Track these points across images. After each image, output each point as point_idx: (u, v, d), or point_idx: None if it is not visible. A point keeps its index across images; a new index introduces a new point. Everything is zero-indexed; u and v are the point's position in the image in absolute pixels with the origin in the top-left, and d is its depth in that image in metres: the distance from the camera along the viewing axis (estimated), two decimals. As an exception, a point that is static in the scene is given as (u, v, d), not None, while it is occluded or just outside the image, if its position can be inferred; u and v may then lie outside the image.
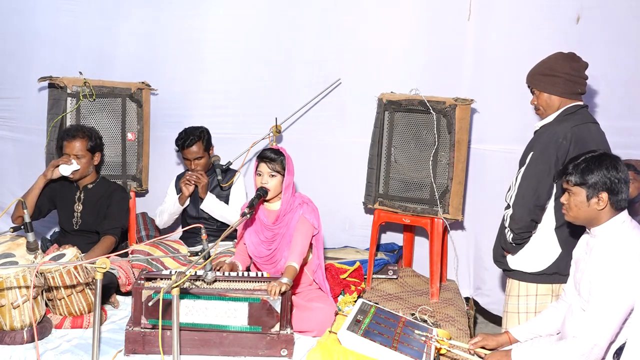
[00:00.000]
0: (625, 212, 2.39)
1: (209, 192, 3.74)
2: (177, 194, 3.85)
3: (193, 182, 3.71)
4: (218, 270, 3.02)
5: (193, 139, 3.72)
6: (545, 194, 2.77)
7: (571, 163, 2.42)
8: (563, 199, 2.47)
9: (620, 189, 2.33)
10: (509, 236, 2.85)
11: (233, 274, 2.92)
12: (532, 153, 2.79)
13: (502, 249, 2.94)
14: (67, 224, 3.53)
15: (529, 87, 2.98)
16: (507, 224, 2.84)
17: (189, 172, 3.73)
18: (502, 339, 2.70)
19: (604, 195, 2.33)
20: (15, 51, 4.23)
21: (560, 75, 2.83)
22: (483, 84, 3.80)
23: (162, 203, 3.93)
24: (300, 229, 3.04)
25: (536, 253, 2.85)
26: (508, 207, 2.86)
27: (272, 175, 3.04)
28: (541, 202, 2.77)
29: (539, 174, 2.73)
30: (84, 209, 3.50)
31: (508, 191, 2.88)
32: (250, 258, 3.23)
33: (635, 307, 2.24)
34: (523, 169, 2.81)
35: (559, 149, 2.73)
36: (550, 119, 2.87)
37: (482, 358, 2.67)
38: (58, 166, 3.40)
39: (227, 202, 3.86)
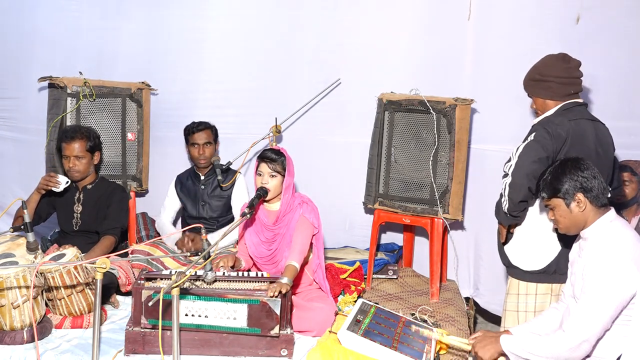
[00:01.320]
0: (612, 212, 2.43)
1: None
2: (177, 195, 3.87)
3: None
4: (222, 266, 3.01)
5: (204, 125, 3.83)
6: (543, 167, 2.77)
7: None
8: (550, 216, 2.53)
9: (592, 185, 2.39)
10: (505, 206, 2.86)
11: (233, 274, 2.92)
12: (533, 134, 2.81)
13: (497, 220, 2.98)
14: (67, 225, 3.52)
15: (525, 88, 3.02)
16: (506, 193, 2.85)
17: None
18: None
19: (580, 196, 2.40)
20: (15, 51, 4.24)
21: (551, 80, 2.85)
22: (483, 84, 3.80)
23: (162, 206, 3.94)
24: (300, 228, 3.04)
25: (536, 251, 2.86)
26: (506, 175, 2.87)
27: (273, 176, 3.04)
28: (538, 173, 2.76)
29: (539, 149, 2.75)
30: (84, 209, 3.50)
31: (507, 162, 2.89)
32: (251, 258, 3.24)
33: (635, 309, 2.24)
34: (523, 143, 2.82)
35: (557, 137, 2.75)
36: (547, 114, 2.89)
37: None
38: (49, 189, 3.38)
39: (228, 202, 3.86)
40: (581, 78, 2.93)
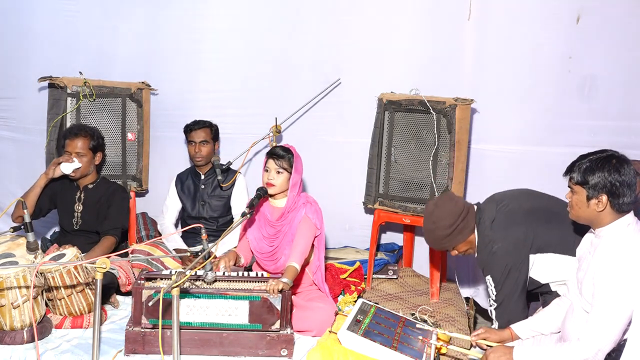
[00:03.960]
0: (630, 215, 2.35)
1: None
2: (178, 195, 3.87)
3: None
4: (224, 265, 3.01)
5: (202, 123, 3.83)
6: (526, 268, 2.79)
7: (578, 160, 2.38)
8: (567, 196, 2.44)
9: (622, 193, 2.28)
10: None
11: (233, 274, 2.92)
12: (490, 276, 2.80)
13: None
14: (67, 224, 3.52)
15: (440, 249, 3.06)
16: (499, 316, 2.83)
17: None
18: (504, 335, 2.70)
19: (604, 198, 2.30)
20: (15, 51, 4.23)
21: (460, 221, 2.83)
22: (483, 84, 3.80)
23: (164, 206, 3.94)
24: (302, 228, 3.04)
25: None
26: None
27: (279, 172, 3.05)
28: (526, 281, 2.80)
29: (513, 286, 2.77)
30: (84, 209, 3.50)
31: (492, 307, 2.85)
32: (253, 254, 3.24)
33: (635, 310, 2.23)
34: (495, 293, 2.80)
35: (520, 241, 2.74)
36: (476, 244, 2.88)
37: (484, 350, 2.67)
38: (60, 164, 3.39)
39: (228, 202, 3.86)
40: None
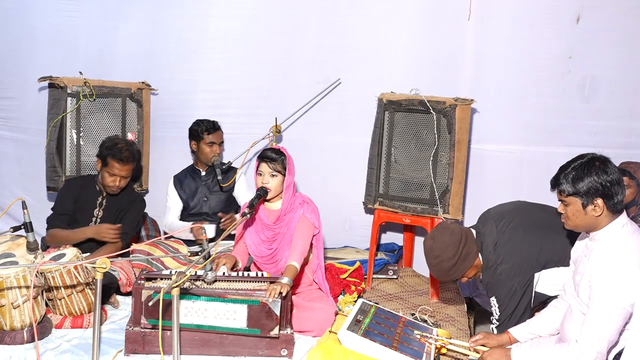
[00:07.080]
0: (624, 215, 2.36)
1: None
2: (178, 195, 3.86)
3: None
4: (224, 264, 3.01)
5: (217, 124, 3.87)
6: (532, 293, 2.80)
7: (561, 172, 2.39)
8: (560, 209, 2.44)
9: (614, 192, 2.29)
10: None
11: (233, 274, 2.92)
12: (494, 298, 2.81)
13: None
14: (83, 226, 3.49)
15: (450, 281, 3.02)
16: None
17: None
18: (502, 339, 2.70)
19: (599, 202, 2.30)
20: (15, 51, 4.24)
21: (462, 248, 2.80)
22: (483, 84, 3.80)
23: (166, 208, 3.93)
24: (301, 228, 3.04)
25: None
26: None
27: (273, 175, 3.03)
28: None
29: (517, 306, 2.77)
30: (104, 215, 3.49)
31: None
32: (249, 256, 3.23)
33: (635, 311, 2.23)
34: (499, 313, 2.81)
35: (520, 268, 2.74)
36: (479, 264, 2.86)
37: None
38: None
39: (229, 197, 3.86)
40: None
